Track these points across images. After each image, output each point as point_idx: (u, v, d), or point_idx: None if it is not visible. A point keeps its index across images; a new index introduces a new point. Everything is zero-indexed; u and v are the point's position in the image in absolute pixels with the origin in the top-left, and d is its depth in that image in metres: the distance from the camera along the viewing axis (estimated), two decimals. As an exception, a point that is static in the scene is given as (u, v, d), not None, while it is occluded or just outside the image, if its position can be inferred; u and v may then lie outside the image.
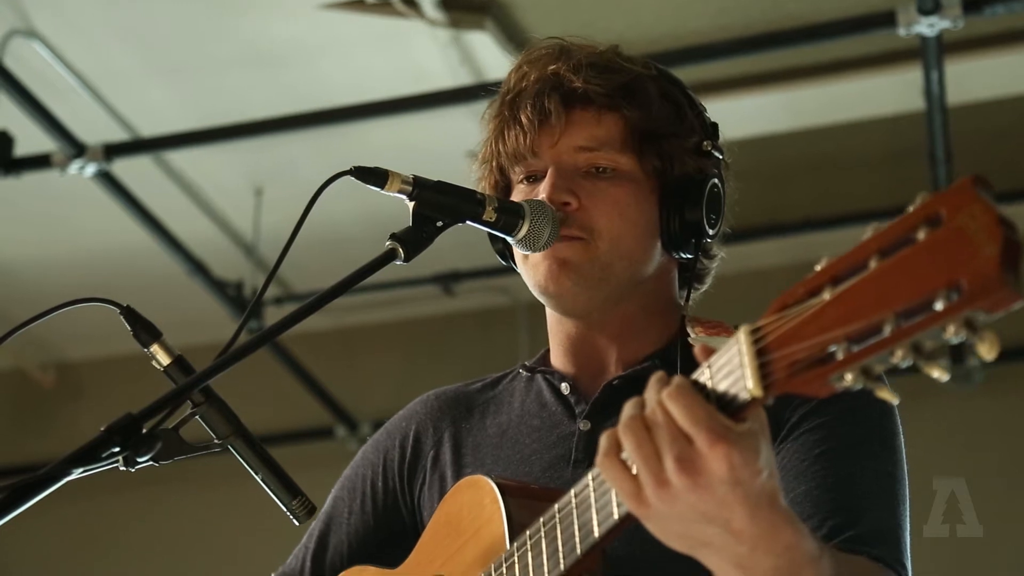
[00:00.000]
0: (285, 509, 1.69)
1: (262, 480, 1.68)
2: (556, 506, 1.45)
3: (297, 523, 1.71)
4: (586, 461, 1.76)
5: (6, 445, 6.31)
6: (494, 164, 1.88)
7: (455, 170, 1.92)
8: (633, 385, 1.70)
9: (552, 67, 1.83)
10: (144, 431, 1.50)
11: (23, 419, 6.43)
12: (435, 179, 1.73)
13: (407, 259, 1.68)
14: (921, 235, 1.07)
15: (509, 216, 1.74)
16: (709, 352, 1.26)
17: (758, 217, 4.92)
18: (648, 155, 1.81)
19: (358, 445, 5.13)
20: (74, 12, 4.26)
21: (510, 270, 1.93)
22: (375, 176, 1.69)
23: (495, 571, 1.57)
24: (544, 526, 1.47)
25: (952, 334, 1.05)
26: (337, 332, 6.10)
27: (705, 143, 1.85)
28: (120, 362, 5.92)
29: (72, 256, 5.55)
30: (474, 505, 1.67)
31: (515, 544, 1.54)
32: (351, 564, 1.92)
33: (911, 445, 1.71)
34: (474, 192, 1.76)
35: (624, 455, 1.27)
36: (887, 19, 3.63)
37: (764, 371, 1.18)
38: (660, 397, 1.25)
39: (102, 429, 1.47)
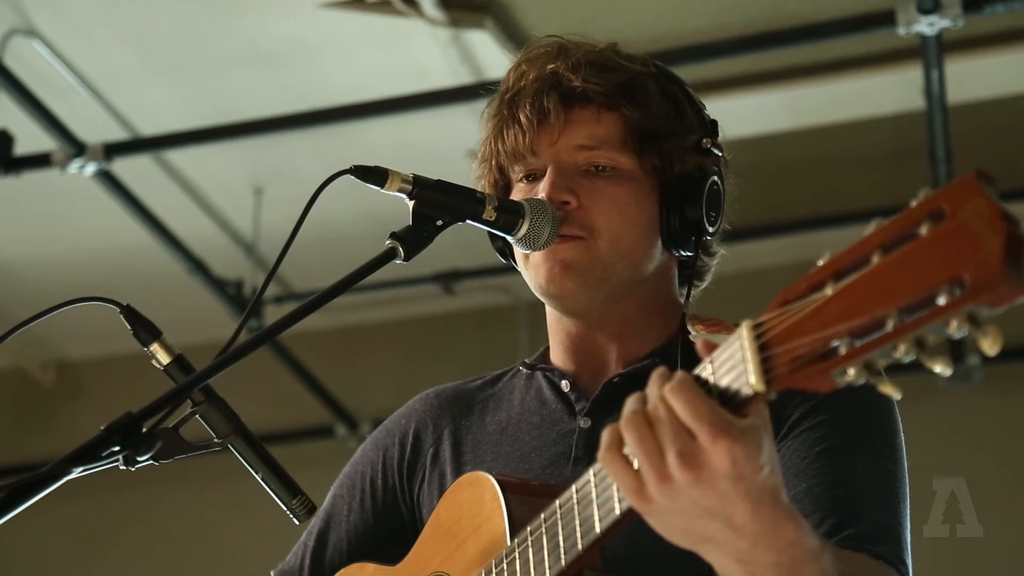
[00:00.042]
0: (285, 508, 1.69)
1: (262, 479, 1.68)
2: (557, 502, 1.45)
3: (297, 522, 1.71)
4: (586, 458, 1.76)
5: (6, 444, 6.32)
6: (493, 163, 1.88)
7: (455, 169, 1.92)
8: (634, 383, 1.70)
9: (551, 66, 1.83)
10: (144, 430, 1.49)
11: (23, 418, 6.43)
12: (435, 178, 1.73)
13: (407, 258, 1.68)
14: (924, 230, 1.07)
15: (509, 215, 1.74)
16: (711, 347, 1.26)
17: (758, 216, 4.92)
18: (648, 153, 1.81)
19: (358, 444, 5.11)
20: (74, 11, 4.26)
21: (510, 269, 1.92)
22: (375, 175, 1.69)
23: (496, 567, 1.57)
24: (545, 522, 1.47)
25: (955, 329, 1.05)
26: (337, 331, 6.10)
27: (705, 141, 1.85)
28: (120, 361, 5.92)
29: (72, 255, 5.55)
30: (474, 502, 1.66)
31: (516, 540, 1.54)
32: (350, 561, 1.92)
33: (911, 445, 1.71)
34: (474, 191, 1.76)
35: (626, 450, 1.27)
36: (887, 18, 3.63)
37: (766, 366, 1.18)
38: (662, 392, 1.25)
39: (102, 428, 1.47)
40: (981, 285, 1.03)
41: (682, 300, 1.88)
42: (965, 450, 5.19)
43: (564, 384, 1.85)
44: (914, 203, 1.08)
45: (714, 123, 1.90)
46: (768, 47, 3.96)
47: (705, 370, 1.26)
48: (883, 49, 4.27)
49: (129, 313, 1.68)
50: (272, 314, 5.28)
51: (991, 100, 4.68)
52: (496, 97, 1.89)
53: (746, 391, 1.20)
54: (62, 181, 4.51)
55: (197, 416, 1.65)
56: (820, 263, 1.15)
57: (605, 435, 1.29)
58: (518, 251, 1.83)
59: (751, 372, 1.19)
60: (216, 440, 1.65)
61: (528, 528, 1.51)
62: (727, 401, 1.23)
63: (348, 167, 1.69)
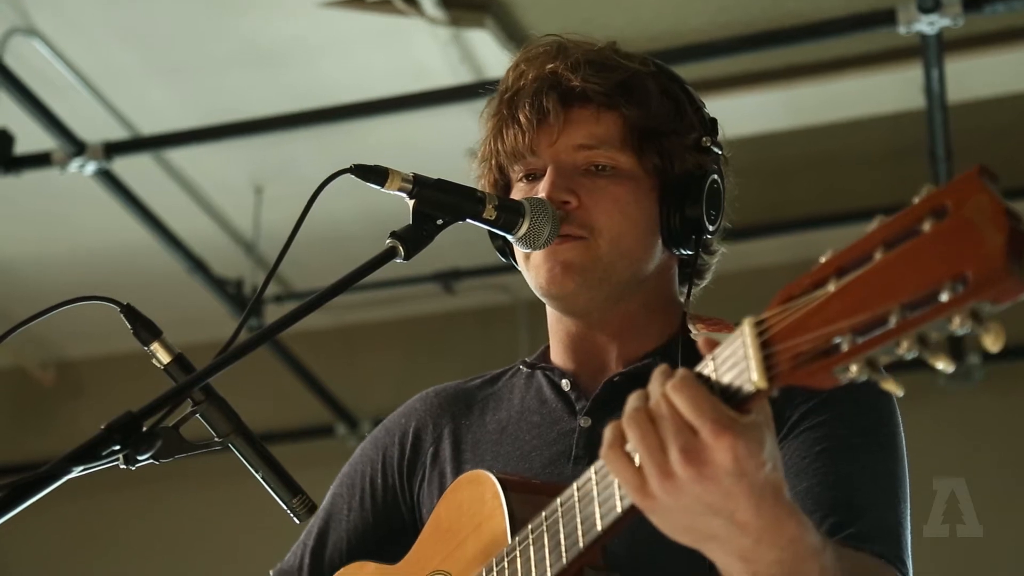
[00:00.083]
0: (285, 507, 1.68)
1: (262, 478, 1.68)
2: (558, 500, 1.45)
3: (297, 521, 1.71)
4: (586, 457, 1.75)
5: (6, 443, 6.31)
6: (493, 163, 1.88)
7: (455, 168, 1.92)
8: (634, 381, 1.69)
9: (550, 65, 1.83)
10: (144, 429, 1.49)
11: (23, 417, 6.43)
12: (435, 177, 1.73)
13: (407, 257, 1.68)
14: (927, 226, 1.06)
15: (509, 214, 1.74)
16: (713, 344, 1.26)
17: (759, 215, 4.92)
18: (647, 152, 1.81)
19: (358, 443, 5.09)
20: (74, 10, 4.26)
21: (510, 268, 1.92)
22: (375, 174, 1.69)
23: (496, 566, 1.57)
24: (546, 520, 1.47)
25: (958, 325, 1.05)
26: (337, 330, 6.10)
27: (705, 139, 1.85)
28: (120, 360, 5.92)
29: (72, 254, 5.55)
30: (475, 500, 1.66)
31: (517, 538, 1.54)
32: (350, 560, 1.92)
33: (911, 444, 1.71)
34: (474, 190, 1.76)
35: (628, 447, 1.27)
36: (887, 17, 3.63)
37: (768, 363, 1.18)
38: (664, 389, 1.25)
39: (102, 427, 1.46)
40: (984, 281, 1.03)
41: (682, 299, 1.88)
42: (965, 450, 5.19)
43: (564, 383, 1.85)
44: (916, 199, 1.08)
45: (714, 121, 1.90)
46: (768, 46, 3.96)
47: (707, 367, 1.25)
48: (883, 48, 4.27)
49: (129, 312, 1.68)
50: (272, 313, 5.28)
51: (991, 99, 4.68)
52: (495, 97, 1.89)
53: (748, 388, 1.20)
54: (62, 180, 4.51)
55: (197, 415, 1.65)
56: (823, 259, 1.15)
57: (607, 432, 1.29)
58: (518, 250, 1.83)
59: (753, 369, 1.18)
60: (216, 439, 1.65)
61: (529, 526, 1.51)
62: (729, 398, 1.22)
63: (348, 166, 1.69)
